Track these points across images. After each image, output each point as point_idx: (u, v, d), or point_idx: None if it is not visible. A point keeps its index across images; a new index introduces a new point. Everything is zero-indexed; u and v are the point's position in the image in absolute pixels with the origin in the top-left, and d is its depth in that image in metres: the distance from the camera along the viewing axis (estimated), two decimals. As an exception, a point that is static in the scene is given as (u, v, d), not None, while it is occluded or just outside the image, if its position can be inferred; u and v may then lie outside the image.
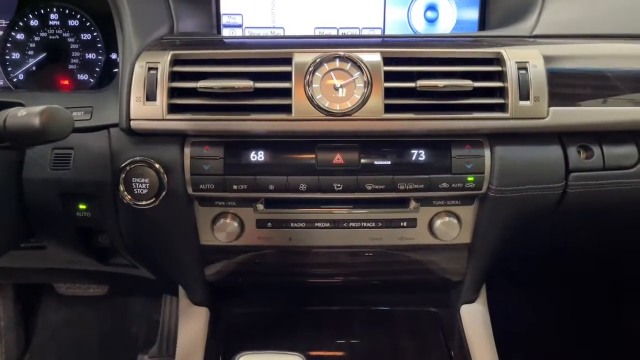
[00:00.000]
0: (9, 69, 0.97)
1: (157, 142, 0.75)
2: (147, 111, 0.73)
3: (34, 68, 0.97)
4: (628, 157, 0.78)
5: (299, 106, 0.73)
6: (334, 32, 0.97)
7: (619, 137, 0.79)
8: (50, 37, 0.96)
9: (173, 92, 0.74)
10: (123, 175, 0.74)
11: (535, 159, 0.77)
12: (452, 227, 0.79)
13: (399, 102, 0.73)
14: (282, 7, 0.96)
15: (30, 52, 0.96)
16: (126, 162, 0.74)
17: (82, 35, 0.96)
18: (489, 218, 0.79)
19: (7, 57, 0.97)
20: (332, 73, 0.73)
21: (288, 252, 0.83)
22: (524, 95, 0.73)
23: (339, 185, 0.76)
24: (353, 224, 0.80)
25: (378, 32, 0.98)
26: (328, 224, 0.80)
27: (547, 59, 0.75)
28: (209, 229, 0.81)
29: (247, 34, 0.97)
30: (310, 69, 0.73)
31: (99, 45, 0.97)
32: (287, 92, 0.73)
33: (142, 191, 0.74)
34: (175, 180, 0.75)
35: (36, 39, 0.96)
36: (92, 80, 0.97)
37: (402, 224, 0.80)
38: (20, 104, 0.77)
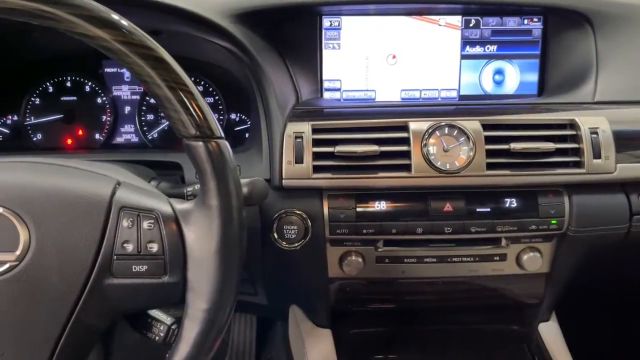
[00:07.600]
0: (145, 128, 1.14)
1: (302, 196, 0.92)
2: (296, 171, 0.90)
3: (166, 128, 1.14)
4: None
5: (417, 165, 0.91)
6: (417, 94, 1.16)
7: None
8: None
9: (314, 155, 0.91)
10: (276, 224, 0.91)
11: (605, 205, 0.95)
12: (536, 260, 0.97)
13: (498, 160, 0.91)
14: (374, 73, 1.14)
15: (162, 114, 1.13)
16: (279, 212, 0.91)
17: (206, 98, 1.13)
18: (566, 252, 0.98)
19: (143, 118, 1.14)
20: (441, 138, 0.91)
21: (400, 283, 1.00)
22: (597, 154, 0.92)
23: (449, 228, 0.93)
24: (455, 259, 0.98)
25: (454, 93, 1.16)
26: (435, 259, 0.98)
27: (613, 123, 0.94)
28: (336, 265, 0.97)
29: (344, 96, 1.15)
30: (426, 136, 0.91)
31: (221, 107, 1.14)
32: (406, 154, 0.91)
33: (291, 236, 0.91)
34: (317, 226, 0.92)
35: None
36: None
37: (495, 258, 0.98)
38: (178, 164, 0.94)
